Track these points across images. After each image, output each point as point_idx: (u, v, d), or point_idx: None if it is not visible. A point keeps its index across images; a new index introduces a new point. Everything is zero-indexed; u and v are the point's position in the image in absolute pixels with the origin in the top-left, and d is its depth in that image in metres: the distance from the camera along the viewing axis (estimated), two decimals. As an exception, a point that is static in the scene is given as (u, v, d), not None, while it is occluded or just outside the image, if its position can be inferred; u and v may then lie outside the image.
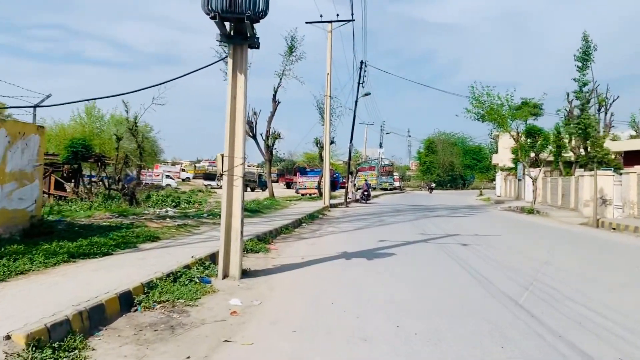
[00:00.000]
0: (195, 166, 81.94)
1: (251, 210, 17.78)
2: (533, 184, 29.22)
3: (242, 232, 7.62)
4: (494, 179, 78.83)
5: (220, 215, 7.75)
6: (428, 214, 23.76)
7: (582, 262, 9.66)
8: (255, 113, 26.99)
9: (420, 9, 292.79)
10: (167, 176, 59.67)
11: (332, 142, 31.16)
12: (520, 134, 45.90)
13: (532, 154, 40.73)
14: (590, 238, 14.69)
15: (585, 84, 20.34)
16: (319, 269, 8.58)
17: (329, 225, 16.86)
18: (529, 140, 40.53)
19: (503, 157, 57.58)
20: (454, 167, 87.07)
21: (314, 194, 36.77)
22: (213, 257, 8.36)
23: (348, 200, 29.51)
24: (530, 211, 25.35)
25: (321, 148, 28.89)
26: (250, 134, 26.90)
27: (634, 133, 36.69)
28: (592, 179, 22.91)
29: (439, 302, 6.21)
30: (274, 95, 27.06)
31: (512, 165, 51.25)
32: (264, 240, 11.33)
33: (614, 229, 16.84)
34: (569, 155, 29.53)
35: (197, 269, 7.74)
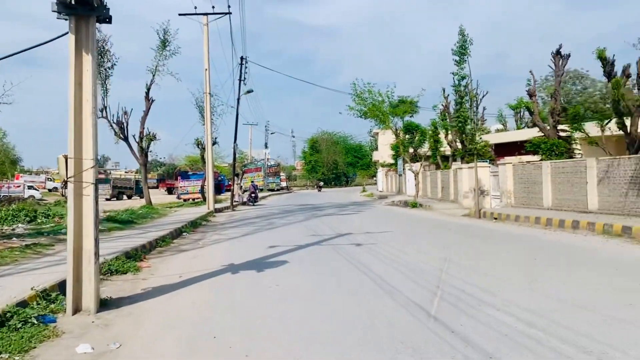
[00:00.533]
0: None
1: (122, 222, 15.70)
2: (415, 178, 30.03)
3: (97, 253, 6.05)
4: (374, 175, 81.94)
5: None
6: (317, 213, 23.15)
7: (480, 257, 9.37)
8: (126, 113, 24.44)
9: (298, 11, 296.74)
10: (30, 187, 53.13)
11: (214, 143, 29.38)
12: (398, 131, 47.80)
13: (411, 149, 42.49)
14: (477, 229, 14.88)
15: (463, 78, 20.96)
16: (199, 288, 7.23)
17: (214, 233, 15.38)
18: (407, 136, 42.23)
19: (383, 153, 59.60)
20: (337, 165, 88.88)
21: (197, 198, 34.65)
22: (64, 286, 6.65)
23: (235, 203, 28.01)
24: (414, 205, 25.88)
25: (203, 149, 27.03)
26: (122, 135, 24.28)
27: (501, 127, 39.69)
28: (470, 171, 23.87)
29: (344, 323, 5.23)
30: (147, 93, 24.69)
31: (392, 161, 53.19)
32: (134, 257, 9.64)
33: (495, 218, 17.40)
34: (445, 149, 30.79)
35: (39, 304, 6.05)
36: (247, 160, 54.78)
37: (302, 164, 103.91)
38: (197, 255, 10.67)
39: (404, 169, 39.16)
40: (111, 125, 24.11)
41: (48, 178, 69.32)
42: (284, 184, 69.14)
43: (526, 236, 12.60)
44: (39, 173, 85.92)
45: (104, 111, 23.99)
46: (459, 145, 28.46)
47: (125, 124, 24.31)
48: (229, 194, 28.77)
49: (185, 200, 36.27)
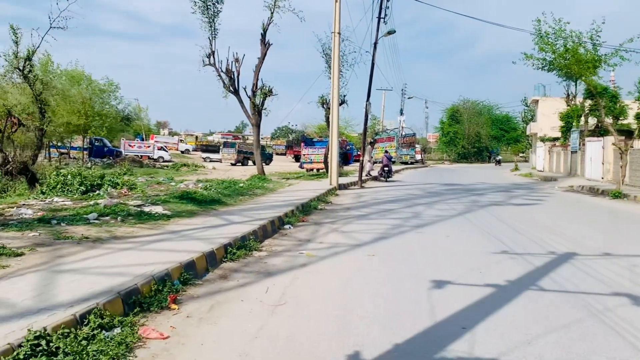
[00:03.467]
0: (197, 137, 75.20)
1: (202, 201, 10.76)
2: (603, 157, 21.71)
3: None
4: (523, 151, 71.21)
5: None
6: (478, 199, 16.60)
7: None
8: (237, 60, 19.77)
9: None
10: (161, 148, 52.92)
11: (342, 102, 23.83)
12: (571, 97, 38.10)
13: (593, 120, 33.00)
14: None
15: None
16: None
17: (331, 229, 9.83)
18: (588, 102, 32.84)
19: (543, 125, 49.67)
20: (480, 138, 79.09)
21: (321, 169, 29.70)
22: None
23: (364, 178, 22.37)
24: (617, 194, 18.01)
25: (328, 109, 21.56)
26: (232, 88, 19.75)
27: None
28: None
29: None
30: (263, 36, 19.78)
31: (557, 135, 43.57)
32: (139, 306, 4.38)
33: None
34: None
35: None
36: (380, 127, 48.70)
37: (438, 137, 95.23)
38: (284, 301, 5.09)
39: (581, 144, 30.28)
40: (219, 75, 19.69)
41: (181, 140, 70.08)
42: (418, 156, 62.12)
43: None
44: (187, 136, 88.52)
45: (212, 57, 19.61)
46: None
47: (236, 74, 19.72)
48: (357, 165, 23.23)
49: (308, 170, 31.64)
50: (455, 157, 78.89)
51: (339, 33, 18.38)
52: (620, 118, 31.95)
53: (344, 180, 22.41)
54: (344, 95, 23.62)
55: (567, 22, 17.43)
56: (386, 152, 28.49)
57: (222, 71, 19.61)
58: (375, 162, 47.26)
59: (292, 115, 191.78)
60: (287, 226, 9.65)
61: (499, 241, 8.69)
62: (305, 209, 11.96)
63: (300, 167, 32.68)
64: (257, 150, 20.83)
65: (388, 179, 25.85)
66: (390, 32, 19.82)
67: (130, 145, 50.50)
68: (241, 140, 62.37)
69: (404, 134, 60.12)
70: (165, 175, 24.15)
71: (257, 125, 20.19)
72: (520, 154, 69.43)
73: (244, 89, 19.95)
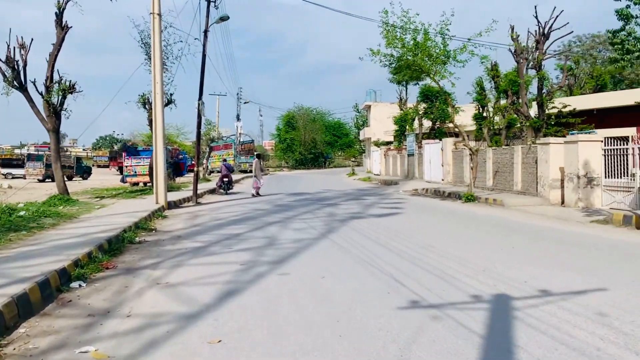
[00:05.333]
0: (-4, 150, 62.92)
1: None
2: (458, 159, 21.54)
3: None
4: (355, 156, 73.53)
5: None
6: (334, 212, 14.43)
7: None
8: (22, 45, 14.83)
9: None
10: None
11: (169, 102, 19.98)
12: (403, 101, 39.07)
13: (428, 122, 33.81)
14: None
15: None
16: None
17: (149, 281, 6.47)
18: (422, 105, 33.58)
19: (376, 130, 51.04)
20: (316, 144, 79.82)
21: (148, 182, 25.37)
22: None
23: (199, 192, 18.87)
24: (470, 198, 17.44)
25: (150, 110, 17.51)
26: (15, 82, 14.74)
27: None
28: (563, 148, 15.71)
29: None
30: (59, 16, 15.17)
31: (390, 139, 44.76)
32: None
33: None
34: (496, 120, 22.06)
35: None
36: (216, 134, 45.06)
37: (274, 144, 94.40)
38: None
39: (418, 147, 30.64)
40: (-4, 65, 14.58)
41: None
42: (257, 164, 59.64)
43: None
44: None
45: (-19, 39, 14.44)
46: (533, 113, 19.88)
47: (21, 64, 14.76)
48: (192, 176, 19.45)
49: (133, 184, 26.90)
50: (293, 163, 78.52)
51: (159, 14, 14.70)
52: (446, 121, 33.27)
53: (175, 195, 18.67)
54: (171, 94, 19.82)
55: (416, 14, 16.30)
56: (224, 160, 25.27)
57: (0, 60, 14.51)
58: (211, 172, 43.64)
59: (119, 124, 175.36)
60: (75, 284, 6.01)
61: (391, 279, 6.27)
62: (115, 247, 8.29)
63: (123, 181, 27.71)
64: (57, 163, 15.94)
65: (228, 191, 22.68)
66: (222, 19, 16.73)
67: None
68: (62, 152, 53.25)
69: (241, 140, 57.25)
70: None
71: (55, 131, 15.36)
72: (352, 159, 71.55)
73: (34, 83, 15.02)
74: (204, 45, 16.66)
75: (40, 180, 39.58)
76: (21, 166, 43.80)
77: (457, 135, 22.92)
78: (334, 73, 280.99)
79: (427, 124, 33.70)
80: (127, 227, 9.78)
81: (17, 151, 77.50)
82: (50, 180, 39.37)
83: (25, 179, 39.37)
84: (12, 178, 41.52)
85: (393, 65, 19.48)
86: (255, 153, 23.16)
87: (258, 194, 20.15)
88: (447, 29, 16.51)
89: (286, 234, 10.32)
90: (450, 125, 25.89)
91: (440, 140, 27.07)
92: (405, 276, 6.39)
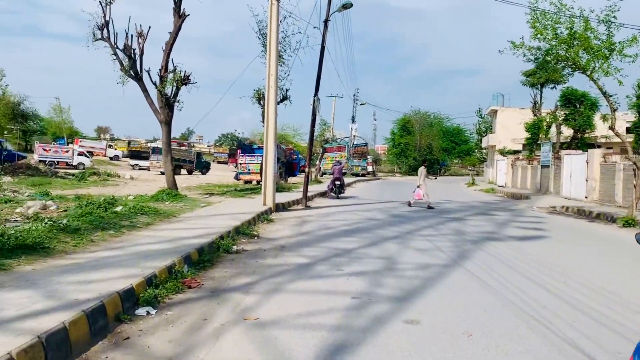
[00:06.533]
0: (129, 143, 68.16)
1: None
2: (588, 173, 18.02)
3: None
4: (474, 165, 68.89)
5: None
6: (461, 228, 12.23)
7: None
8: (141, 34, 14.56)
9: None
10: (83, 153, 46.24)
11: (284, 98, 18.96)
12: (537, 105, 34.98)
13: (568, 130, 29.60)
14: None
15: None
16: None
17: (235, 313, 5.00)
18: (562, 112, 29.50)
19: (502, 137, 46.75)
20: (431, 150, 76.22)
21: (261, 181, 24.78)
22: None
23: (309, 195, 17.60)
24: (630, 222, 14.14)
25: (263, 106, 16.51)
26: (132, 71, 14.51)
27: None
28: None
29: None
30: (178, 3, 14.71)
31: (518, 147, 40.60)
32: None
33: None
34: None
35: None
36: (330, 135, 44.12)
37: (386, 148, 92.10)
38: None
39: (554, 158, 26.85)
40: (115, 54, 14.44)
41: (109, 145, 62.99)
42: (370, 168, 58.11)
43: None
44: (117, 141, 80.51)
45: (105, 29, 14.37)
46: None
47: (138, 53, 14.52)
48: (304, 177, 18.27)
49: (246, 182, 26.63)
50: (406, 169, 75.76)
51: (278, 0, 13.59)
52: (587, 131, 28.96)
53: (285, 197, 17.59)
54: (287, 90, 18.77)
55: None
56: (338, 162, 23.91)
57: (118, 48, 14.37)
58: (323, 173, 42.73)
59: (242, 123, 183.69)
60: (143, 310, 4.69)
61: (573, 348, 4.15)
62: (206, 257, 7.01)
63: (236, 178, 27.61)
64: (167, 156, 15.56)
65: (340, 195, 21.24)
66: (345, 6, 15.27)
67: (45, 150, 43.68)
68: (186, 147, 56.18)
69: (355, 143, 55.95)
70: (49, 187, 18.52)
71: (167, 123, 14.94)
72: (471, 167, 67.16)
73: (148, 72, 14.71)
74: (324, 36, 15.30)
75: (162, 173, 41.51)
76: (147, 158, 46.55)
77: (599, 146, 19.31)
78: (453, 77, 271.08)
79: (566, 132, 29.58)
80: (226, 233, 8.55)
81: (153, 145, 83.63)
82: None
83: (149, 170, 41.62)
84: (139, 169, 44.26)
85: (539, 59, 16.61)
86: (421, 160, 20.67)
87: (430, 207, 17.38)
88: (614, 16, 13.45)
89: (407, 255, 8.45)
90: (597, 134, 22.15)
91: (585, 151, 23.27)
92: (594, 343, 4.24)
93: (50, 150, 44.42)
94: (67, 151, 45.11)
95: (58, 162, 41.99)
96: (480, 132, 65.27)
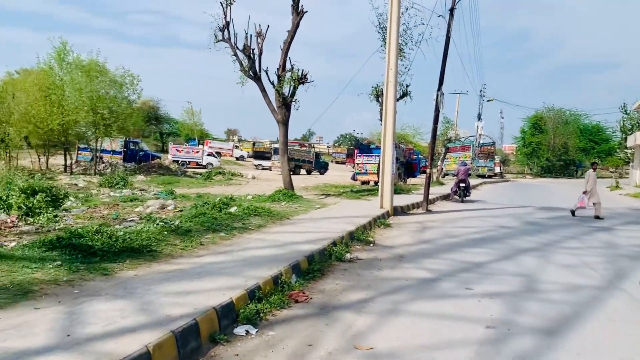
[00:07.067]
0: (254, 143, 71.39)
1: (100, 252, 5.53)
2: None
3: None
4: (618, 166, 61.68)
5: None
6: (613, 241, 10.37)
7: None
8: (259, 34, 14.56)
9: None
10: (211, 154, 49.28)
11: (404, 94, 17.97)
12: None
13: None
14: None
15: None
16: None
17: (346, 338, 4.29)
18: None
19: (658, 135, 40.90)
20: (567, 150, 69.50)
21: (378, 182, 24.02)
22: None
23: (430, 198, 16.43)
24: None
25: (382, 104, 15.71)
26: (251, 72, 14.58)
27: None
28: None
29: None
30: (296, 1, 14.49)
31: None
32: None
33: None
34: None
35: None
36: (453, 134, 41.86)
37: (515, 148, 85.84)
38: None
39: None
40: (235, 54, 14.59)
41: (236, 146, 66.42)
42: (497, 169, 54.42)
43: None
44: (243, 142, 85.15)
45: (226, 30, 14.58)
46: None
47: (257, 53, 14.53)
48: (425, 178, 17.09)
49: (363, 182, 26.03)
50: (537, 170, 69.96)
51: (399, -10, 12.72)
52: None
53: (403, 199, 16.63)
54: (407, 85, 17.73)
55: None
56: (463, 163, 22.29)
57: (238, 49, 14.49)
58: (445, 174, 40.64)
59: (361, 123, 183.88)
60: (242, 329, 4.16)
61: None
62: (316, 266, 6.41)
63: (353, 178, 27.14)
64: (283, 156, 15.45)
65: (465, 199, 19.70)
66: (474, -8, 14.01)
67: (178, 150, 47.26)
68: (306, 148, 57.56)
69: (481, 142, 52.71)
70: (177, 185, 19.50)
71: (284, 123, 14.79)
72: (612, 169, 60.03)
73: (266, 72, 14.66)
74: (449, 25, 14.08)
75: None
76: (270, 158, 48.19)
77: None
78: (591, 71, 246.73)
79: None
80: (339, 238, 7.93)
81: (272, 145, 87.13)
82: (292, 173, 42.07)
83: (270, 170, 42.95)
84: (262, 169, 45.93)
85: None
86: (591, 162, 17.77)
87: (598, 217, 15.06)
88: None
89: (550, 272, 7.14)
90: None
91: None
92: None
93: (182, 151, 47.87)
94: (197, 152, 48.26)
95: (189, 162, 45.08)
96: (626, 130, 57.93)
